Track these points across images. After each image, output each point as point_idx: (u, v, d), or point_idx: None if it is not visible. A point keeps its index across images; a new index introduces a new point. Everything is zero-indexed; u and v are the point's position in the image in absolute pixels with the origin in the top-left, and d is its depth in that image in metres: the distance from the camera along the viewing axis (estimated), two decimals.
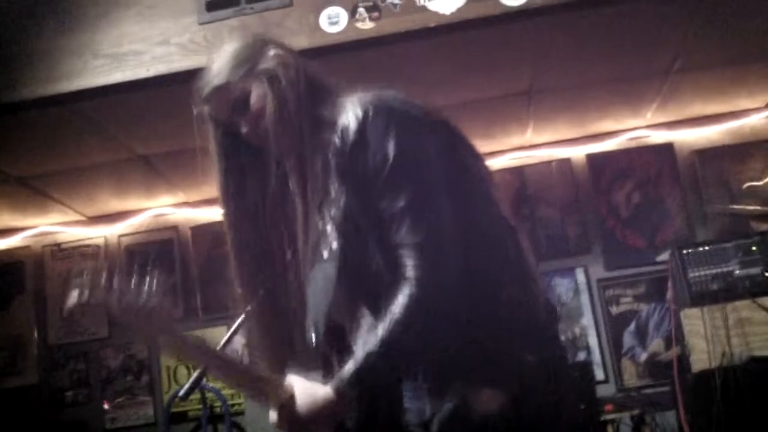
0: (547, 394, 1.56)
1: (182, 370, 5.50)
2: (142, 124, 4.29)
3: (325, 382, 1.55)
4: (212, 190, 5.97)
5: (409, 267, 1.48)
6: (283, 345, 1.77)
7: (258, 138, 1.71)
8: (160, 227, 5.71)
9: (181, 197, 5.60)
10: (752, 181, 4.61)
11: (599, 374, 5.20)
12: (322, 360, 1.63)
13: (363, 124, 1.54)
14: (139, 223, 5.71)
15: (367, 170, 1.53)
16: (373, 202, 1.53)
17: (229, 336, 1.68)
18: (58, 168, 4.76)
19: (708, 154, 5.42)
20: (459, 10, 3.61)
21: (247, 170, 1.78)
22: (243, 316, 1.73)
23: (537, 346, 1.57)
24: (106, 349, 5.61)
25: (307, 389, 1.56)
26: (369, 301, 1.58)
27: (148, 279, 1.49)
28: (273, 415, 1.59)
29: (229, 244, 1.81)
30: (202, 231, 5.62)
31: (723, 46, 4.37)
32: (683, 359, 4.12)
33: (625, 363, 5.26)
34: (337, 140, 1.56)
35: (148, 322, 1.48)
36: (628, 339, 5.29)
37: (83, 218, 5.71)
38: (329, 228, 1.60)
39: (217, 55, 1.78)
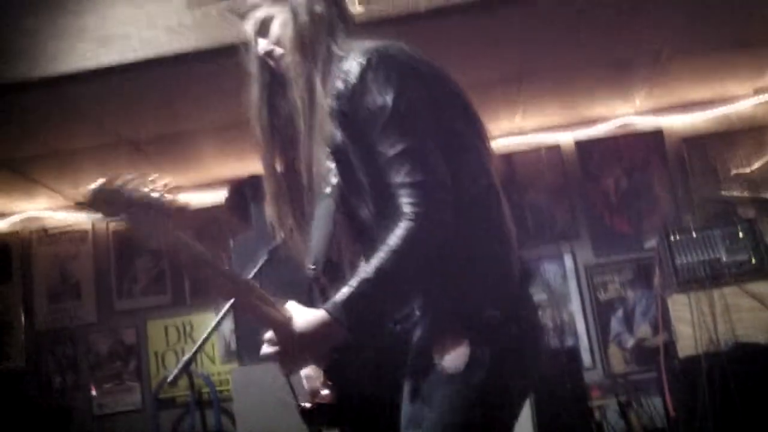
0: (508, 351, 1.56)
1: (170, 356, 5.48)
2: (129, 108, 4.26)
3: None
4: (201, 174, 5.91)
5: (407, 204, 1.52)
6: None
7: (273, 61, 1.78)
8: None
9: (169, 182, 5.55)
10: (739, 168, 4.62)
11: (587, 360, 5.22)
12: (320, 293, 1.67)
13: (365, 71, 1.59)
14: None
15: (366, 115, 1.58)
16: (370, 147, 1.57)
17: (218, 320, 1.66)
18: (43, 152, 4.73)
19: (696, 141, 5.43)
20: None
21: (278, 90, 1.81)
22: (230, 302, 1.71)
23: (504, 303, 1.59)
24: (94, 335, 5.59)
25: (303, 312, 1.58)
26: (363, 245, 1.62)
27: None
28: (265, 348, 1.58)
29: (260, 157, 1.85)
30: (191, 216, 5.60)
31: (712, 33, 4.37)
32: (670, 345, 4.13)
33: (613, 349, 5.28)
34: (339, 83, 1.61)
35: (150, 213, 1.54)
36: (615, 325, 5.31)
37: (70, 203, 5.67)
38: (331, 164, 1.66)
39: None
